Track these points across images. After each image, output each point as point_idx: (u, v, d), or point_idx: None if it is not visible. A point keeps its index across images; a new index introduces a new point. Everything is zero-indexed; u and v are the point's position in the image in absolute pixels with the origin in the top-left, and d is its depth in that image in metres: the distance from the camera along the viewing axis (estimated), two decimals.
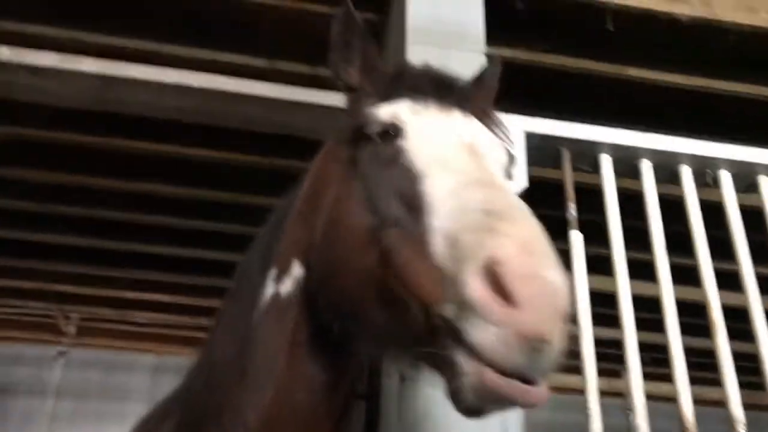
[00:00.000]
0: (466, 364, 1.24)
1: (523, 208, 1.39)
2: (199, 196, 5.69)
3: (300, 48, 4.22)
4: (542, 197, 2.51)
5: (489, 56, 3.00)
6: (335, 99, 2.74)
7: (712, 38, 3.78)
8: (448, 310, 1.27)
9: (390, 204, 1.61)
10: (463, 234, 1.33)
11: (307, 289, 1.96)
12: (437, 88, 1.86)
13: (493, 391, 1.21)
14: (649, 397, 2.46)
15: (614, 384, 5.16)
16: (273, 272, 2.11)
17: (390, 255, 1.53)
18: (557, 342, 1.20)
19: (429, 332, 1.35)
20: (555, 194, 2.92)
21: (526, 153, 2.79)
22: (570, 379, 3.04)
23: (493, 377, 1.20)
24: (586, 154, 2.90)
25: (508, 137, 1.93)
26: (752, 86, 4.09)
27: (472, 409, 1.29)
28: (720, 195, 2.93)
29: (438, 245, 1.38)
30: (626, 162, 2.92)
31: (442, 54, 2.91)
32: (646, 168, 2.90)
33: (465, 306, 1.23)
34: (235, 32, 4.18)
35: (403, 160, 1.66)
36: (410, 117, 1.76)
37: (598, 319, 2.61)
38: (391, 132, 1.73)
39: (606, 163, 2.88)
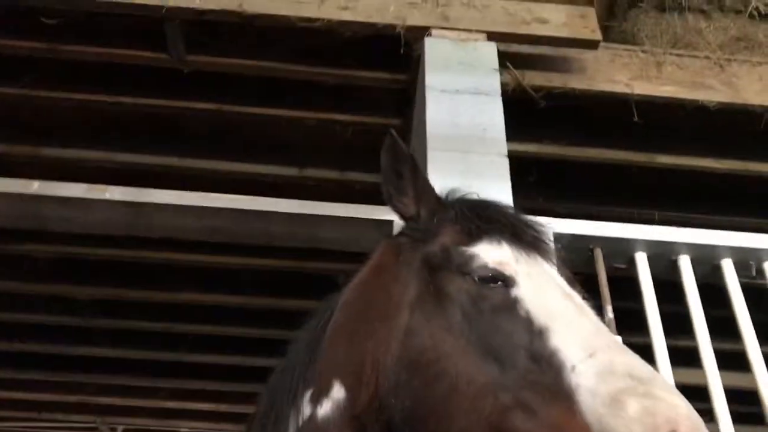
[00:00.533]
0: None
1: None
2: (237, 303, 5.69)
3: (329, 156, 4.31)
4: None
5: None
6: (359, 211, 2.76)
7: (740, 121, 3.72)
8: None
9: (514, 355, 1.61)
10: (621, 397, 1.42)
11: (352, 414, 1.87)
12: (528, 233, 1.89)
13: None
14: None
15: None
16: (309, 393, 2.03)
17: (526, 405, 1.54)
18: None
19: None
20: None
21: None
22: None
23: None
24: (621, 252, 2.81)
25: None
26: None
27: None
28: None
29: (589, 405, 1.44)
30: (664, 258, 2.81)
31: (463, 158, 2.90)
32: (685, 264, 2.79)
33: None
34: (267, 144, 4.29)
35: (521, 311, 1.67)
36: (516, 265, 1.77)
37: None
38: (499, 278, 1.73)
39: (642, 260, 2.77)
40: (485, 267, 1.78)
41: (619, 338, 2.46)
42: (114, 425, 8.20)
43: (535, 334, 1.62)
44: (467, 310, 1.75)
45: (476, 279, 1.76)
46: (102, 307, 5.95)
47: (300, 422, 2.04)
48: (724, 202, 4.21)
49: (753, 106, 3.61)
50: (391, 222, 2.65)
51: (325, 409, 1.97)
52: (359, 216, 2.72)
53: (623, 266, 2.83)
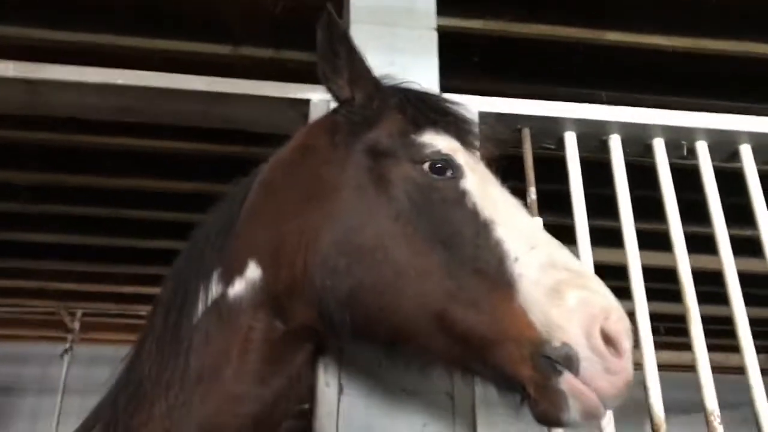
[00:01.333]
0: (572, 388, 1.47)
1: None
2: (191, 189, 5.58)
3: (264, 33, 4.07)
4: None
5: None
6: (276, 89, 2.60)
7: None
8: (563, 356, 1.47)
9: (461, 244, 1.66)
10: (561, 287, 1.53)
11: (271, 292, 1.87)
12: (472, 131, 1.95)
13: (594, 412, 1.48)
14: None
15: None
16: (219, 272, 1.98)
17: (467, 291, 1.60)
18: None
19: (514, 360, 1.53)
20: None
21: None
22: None
23: (597, 403, 1.47)
24: (550, 132, 2.70)
25: None
26: (739, 43, 3.83)
27: (563, 425, 1.52)
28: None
29: (530, 293, 1.54)
30: (593, 138, 2.71)
31: (389, 32, 2.72)
32: (615, 143, 2.70)
33: (584, 354, 1.46)
34: (198, 21, 4.04)
35: (469, 203, 1.72)
36: (465, 158, 1.81)
37: None
38: (451, 167, 1.77)
39: (571, 140, 2.67)
40: (439, 153, 1.79)
41: (540, 219, 2.43)
42: (73, 310, 8.26)
43: (481, 225, 1.67)
44: (415, 199, 1.75)
45: (428, 168, 1.78)
46: (56, 193, 5.82)
47: (209, 302, 1.98)
48: (674, 82, 4.10)
49: None
50: (308, 102, 2.52)
51: (237, 288, 1.93)
52: (275, 95, 2.56)
53: (552, 146, 2.73)
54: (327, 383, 2.05)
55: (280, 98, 2.51)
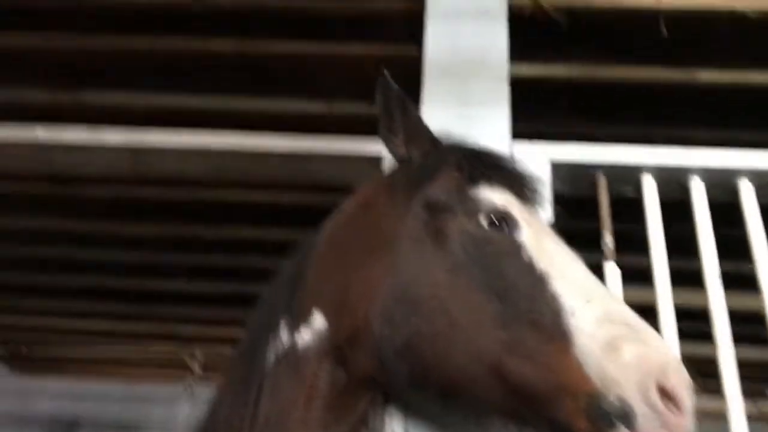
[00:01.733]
0: None
1: None
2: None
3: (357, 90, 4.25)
4: None
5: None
6: (364, 148, 2.74)
7: None
8: (618, 411, 1.46)
9: (516, 296, 1.68)
10: (617, 342, 1.51)
11: (334, 342, 1.94)
12: (526, 184, 1.96)
13: None
14: None
15: None
16: (288, 324, 2.10)
17: (522, 343, 1.62)
18: None
19: (569, 412, 1.53)
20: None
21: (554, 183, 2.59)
22: None
23: None
24: (626, 178, 2.66)
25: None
26: None
27: None
28: None
29: (586, 346, 1.53)
30: (673, 182, 2.65)
31: (461, 85, 2.79)
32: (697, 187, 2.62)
33: (639, 410, 1.45)
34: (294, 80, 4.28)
35: (524, 256, 1.75)
36: (519, 212, 1.84)
37: None
38: (506, 221, 1.81)
39: (649, 184, 2.62)
40: (495, 207, 1.83)
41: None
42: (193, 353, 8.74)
43: (537, 278, 1.69)
44: (471, 252, 1.80)
45: (482, 222, 1.82)
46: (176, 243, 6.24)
47: (279, 351, 2.11)
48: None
49: None
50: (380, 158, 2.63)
51: (304, 338, 2.04)
52: (353, 152, 2.70)
53: (629, 193, 2.69)
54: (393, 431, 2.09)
55: (354, 156, 2.64)
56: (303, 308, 2.05)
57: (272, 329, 2.16)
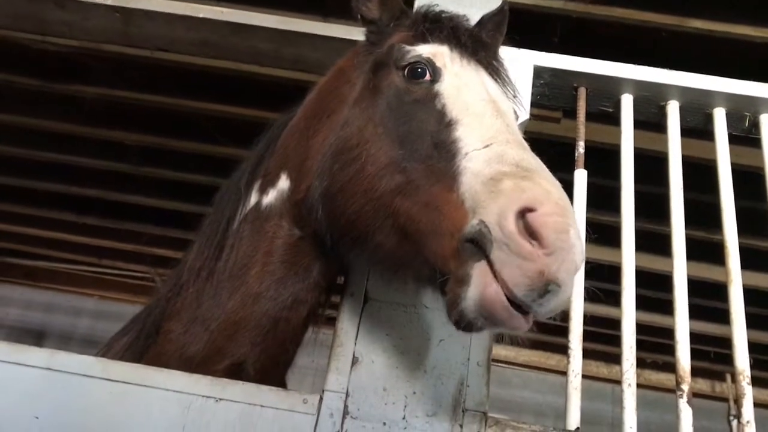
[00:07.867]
0: (477, 275, 1.39)
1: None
2: None
3: None
4: None
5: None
6: (345, 31, 2.76)
7: None
8: (476, 234, 1.40)
9: (420, 141, 1.71)
10: (500, 177, 1.45)
11: (293, 200, 2.06)
12: (470, 40, 1.96)
13: (491, 303, 1.36)
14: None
15: None
16: (258, 184, 2.20)
17: (414, 185, 1.64)
18: (566, 293, 1.35)
19: (446, 253, 1.50)
20: None
21: (534, 89, 2.62)
22: None
23: (497, 291, 1.35)
24: (607, 93, 2.70)
25: (518, 96, 2.07)
26: None
27: (463, 321, 1.43)
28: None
29: (469, 183, 1.51)
30: (652, 103, 2.69)
31: None
32: (673, 109, 2.67)
33: (495, 234, 1.37)
34: None
35: (438, 104, 1.76)
36: (449, 63, 1.86)
37: None
38: (428, 72, 1.83)
39: (627, 103, 2.67)
40: (418, 56, 1.86)
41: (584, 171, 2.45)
42: (165, 275, 8.73)
43: (444, 125, 1.71)
44: (391, 102, 1.85)
45: (406, 72, 1.85)
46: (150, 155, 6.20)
47: (246, 210, 2.22)
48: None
49: None
50: None
51: (269, 197, 2.16)
52: (345, 36, 2.73)
53: (609, 108, 2.74)
54: (352, 293, 2.15)
55: (347, 39, 2.66)
56: (272, 171, 2.19)
57: (245, 191, 2.26)
